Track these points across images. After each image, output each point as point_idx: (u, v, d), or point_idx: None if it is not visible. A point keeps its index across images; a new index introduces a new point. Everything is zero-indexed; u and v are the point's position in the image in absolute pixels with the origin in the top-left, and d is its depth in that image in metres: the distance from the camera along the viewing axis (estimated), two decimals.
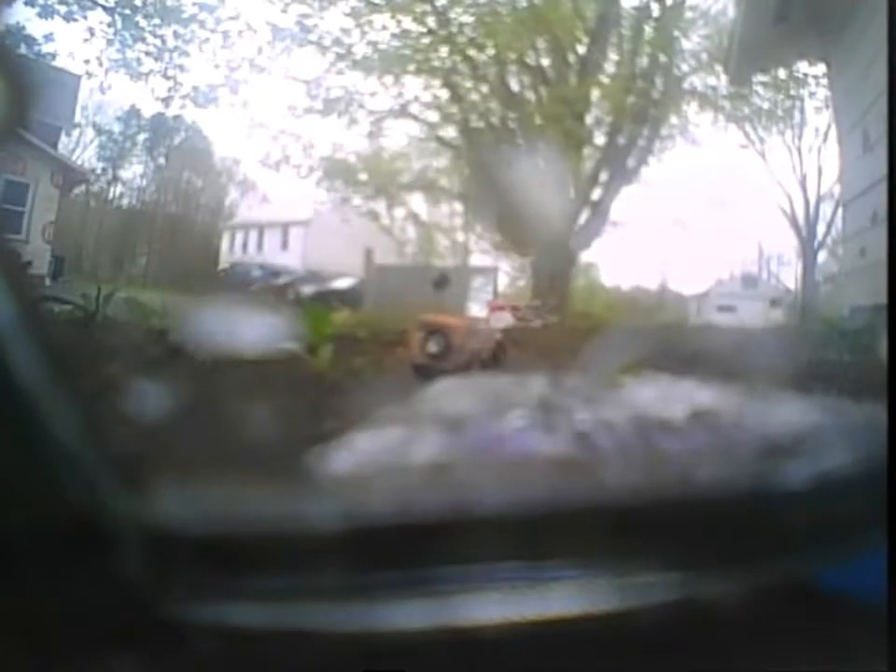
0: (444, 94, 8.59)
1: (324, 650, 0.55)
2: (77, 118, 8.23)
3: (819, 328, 6.48)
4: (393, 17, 8.08)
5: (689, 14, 8.60)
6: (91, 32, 7.46)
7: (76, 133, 8.58)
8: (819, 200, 8.81)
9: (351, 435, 1.08)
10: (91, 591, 0.53)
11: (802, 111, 8.82)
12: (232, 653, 0.54)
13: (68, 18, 7.22)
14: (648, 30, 8.42)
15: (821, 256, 9.10)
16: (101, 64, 7.66)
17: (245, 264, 9.03)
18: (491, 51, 8.28)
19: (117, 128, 9.61)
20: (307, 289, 7.61)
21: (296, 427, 1.97)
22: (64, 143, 7.86)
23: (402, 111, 8.59)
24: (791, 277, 9.81)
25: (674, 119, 8.94)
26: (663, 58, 8.49)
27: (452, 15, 8.15)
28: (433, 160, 9.29)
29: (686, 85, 8.83)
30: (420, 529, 0.58)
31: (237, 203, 10.44)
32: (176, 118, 9.09)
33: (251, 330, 2.85)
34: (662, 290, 10.13)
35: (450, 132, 8.88)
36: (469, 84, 8.55)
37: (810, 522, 0.58)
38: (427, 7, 8.07)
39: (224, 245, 10.14)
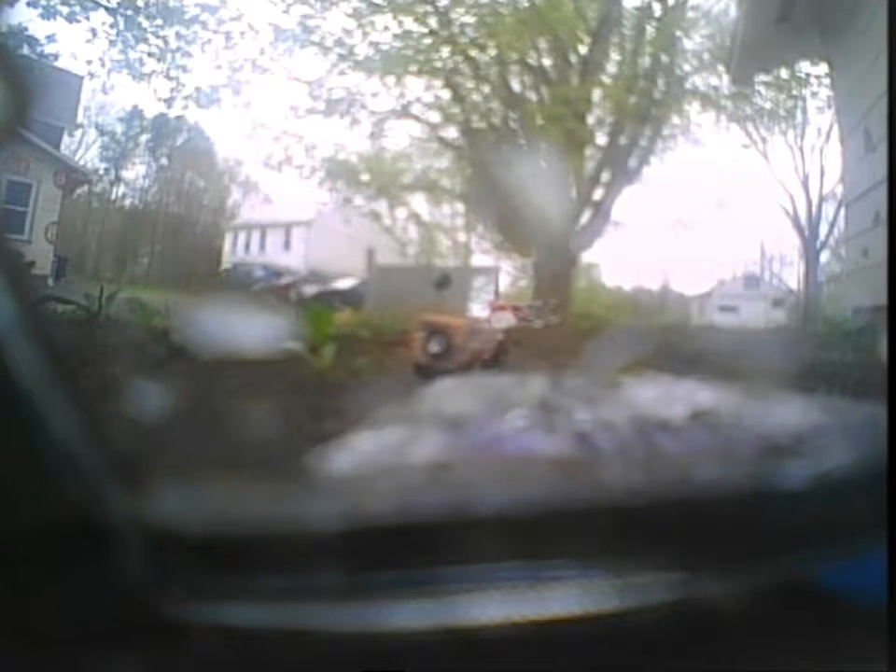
0: (446, 95, 8.60)
1: (324, 650, 0.55)
2: (80, 118, 8.24)
3: (822, 328, 6.48)
4: (395, 18, 8.08)
5: (691, 14, 8.60)
6: (94, 32, 7.49)
7: (78, 133, 8.60)
8: (822, 200, 8.81)
9: (351, 435, 1.08)
10: (90, 591, 0.53)
11: (804, 111, 8.82)
12: (232, 653, 0.54)
13: (70, 19, 7.24)
14: (650, 30, 8.42)
15: (824, 256, 9.08)
16: (103, 65, 7.69)
17: (247, 264, 9.05)
18: (493, 52, 8.28)
19: (119, 128, 9.63)
20: (309, 290, 7.62)
21: (297, 427, 1.97)
22: (67, 143, 7.88)
23: (404, 112, 8.59)
24: (793, 278, 9.80)
25: (676, 119, 8.94)
26: (664, 58, 8.48)
27: (453, 15, 8.16)
28: (435, 160, 9.30)
29: (688, 85, 8.82)
30: (420, 529, 0.58)
31: (239, 204, 10.45)
32: (179, 118, 9.12)
33: (253, 331, 2.85)
34: (663, 291, 10.13)
35: (452, 132, 8.89)
36: (470, 84, 8.55)
37: (810, 522, 0.58)
38: (429, 8, 8.08)
39: (226, 245, 10.15)
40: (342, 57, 8.20)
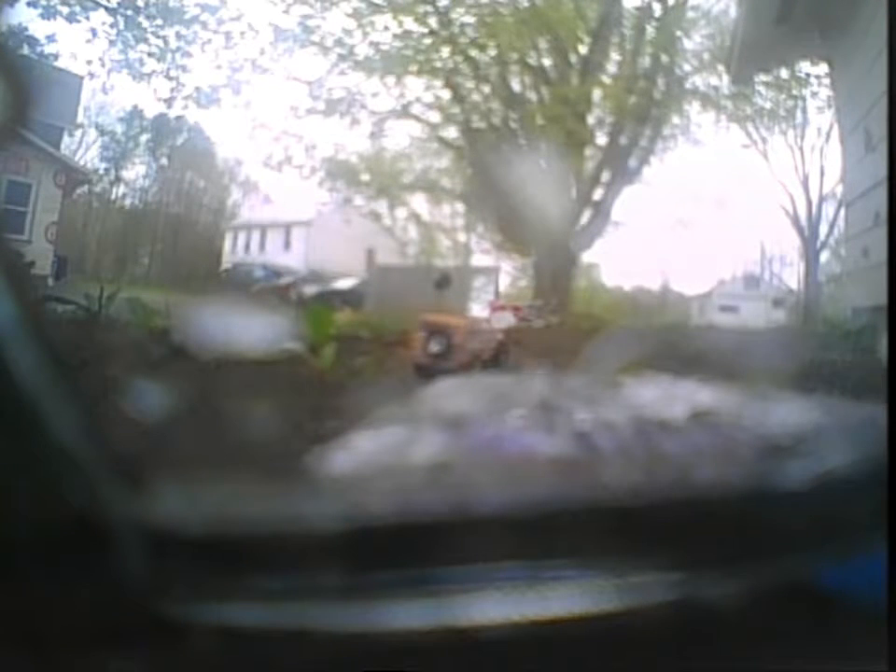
0: (446, 95, 8.62)
1: (324, 650, 0.55)
2: (80, 118, 8.24)
3: (822, 328, 6.48)
4: (395, 18, 8.09)
5: (691, 14, 8.61)
6: (94, 32, 7.50)
7: (78, 133, 8.61)
8: (822, 200, 8.82)
9: (351, 435, 1.08)
10: (90, 591, 0.53)
11: (804, 111, 8.83)
12: (232, 653, 0.54)
13: (71, 19, 7.24)
14: (650, 30, 8.43)
15: (824, 256, 9.09)
16: (103, 65, 7.71)
17: (247, 264, 9.05)
18: (493, 52, 8.29)
19: (119, 128, 9.65)
20: (309, 290, 7.62)
21: (298, 427, 1.97)
22: (67, 143, 7.88)
23: (404, 112, 8.60)
24: (793, 278, 9.80)
25: (676, 119, 8.96)
26: (664, 58, 8.50)
27: (453, 15, 8.17)
28: (435, 160, 9.32)
29: (688, 85, 8.83)
30: (420, 529, 0.58)
31: (239, 204, 10.47)
32: (179, 118, 9.13)
33: (253, 331, 2.85)
34: (664, 291, 10.13)
35: (452, 132, 8.91)
36: (470, 84, 8.57)
37: (810, 522, 0.58)
38: (429, 8, 8.08)
39: (226, 245, 10.16)
40: (341, 57, 8.21)
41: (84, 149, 9.29)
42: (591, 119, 8.47)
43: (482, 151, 8.25)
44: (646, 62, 8.49)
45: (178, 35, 7.82)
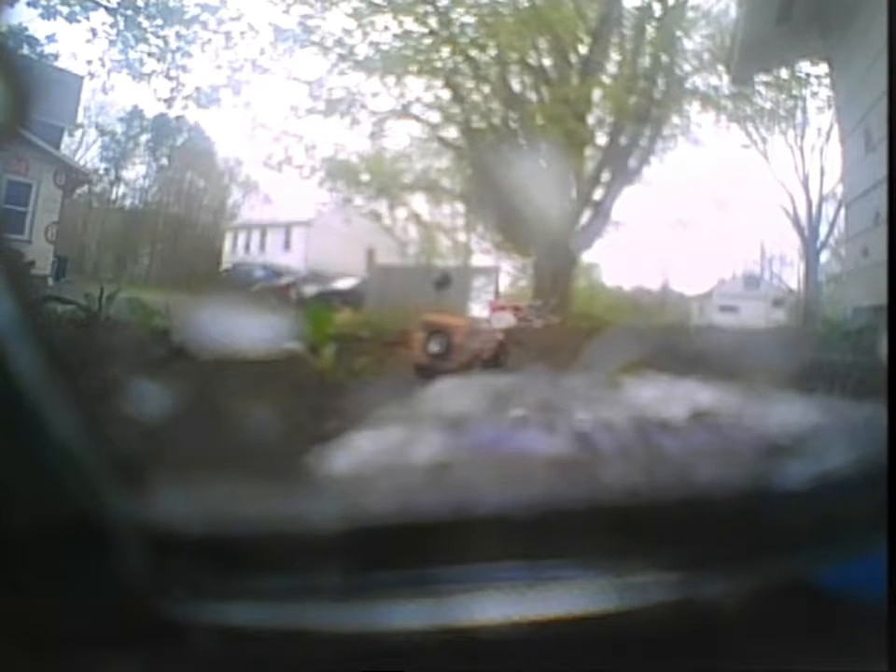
0: (446, 95, 8.60)
1: (324, 650, 0.55)
2: (80, 118, 8.24)
3: (822, 328, 6.48)
4: (395, 17, 8.08)
5: (691, 14, 8.59)
6: (94, 33, 7.49)
7: (78, 133, 8.60)
8: (822, 200, 8.80)
9: (351, 435, 1.08)
10: (90, 591, 0.53)
11: (804, 111, 8.81)
12: (232, 653, 0.54)
13: (71, 19, 7.24)
14: (650, 30, 8.41)
15: (824, 256, 9.08)
16: (103, 65, 7.69)
17: (247, 264, 9.04)
18: (493, 52, 8.28)
19: (119, 128, 9.63)
20: (309, 290, 7.62)
21: (298, 427, 1.97)
22: (67, 143, 7.87)
23: (404, 112, 8.59)
24: (793, 278, 9.79)
25: (676, 119, 8.94)
26: (665, 58, 8.49)
27: (453, 15, 8.16)
28: (435, 160, 9.29)
29: (688, 85, 8.82)
30: (420, 529, 0.58)
31: (239, 204, 10.45)
32: (179, 118, 9.11)
33: (253, 331, 2.85)
34: (663, 291, 10.12)
35: (452, 132, 8.88)
36: (470, 84, 8.55)
37: (810, 522, 0.58)
38: (429, 8, 8.08)
39: (226, 245, 10.15)
40: (342, 57, 8.20)
41: (84, 149, 9.29)
42: (591, 119, 8.46)
43: (482, 151, 8.24)
44: (646, 61, 8.48)
45: (178, 35, 7.81)
